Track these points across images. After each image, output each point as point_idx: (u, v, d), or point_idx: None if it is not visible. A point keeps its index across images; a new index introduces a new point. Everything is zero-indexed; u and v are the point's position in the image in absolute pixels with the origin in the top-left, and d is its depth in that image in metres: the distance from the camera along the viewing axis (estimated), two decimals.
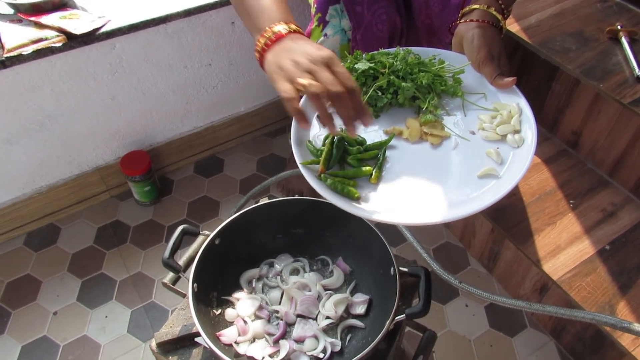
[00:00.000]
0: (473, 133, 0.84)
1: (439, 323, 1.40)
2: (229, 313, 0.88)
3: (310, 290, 0.91)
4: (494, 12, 0.89)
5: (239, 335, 0.84)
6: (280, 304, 0.90)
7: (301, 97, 0.82)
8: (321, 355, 0.83)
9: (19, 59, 1.23)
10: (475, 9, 0.91)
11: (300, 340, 0.85)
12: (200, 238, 0.94)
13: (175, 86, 1.61)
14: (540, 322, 1.39)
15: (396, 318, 0.78)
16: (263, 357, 0.82)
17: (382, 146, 0.83)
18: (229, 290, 0.91)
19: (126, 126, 1.61)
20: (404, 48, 0.92)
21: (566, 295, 1.09)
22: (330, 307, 0.87)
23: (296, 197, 0.94)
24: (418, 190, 0.77)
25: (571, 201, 1.24)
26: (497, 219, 1.22)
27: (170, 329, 0.86)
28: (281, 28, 0.77)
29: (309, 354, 0.83)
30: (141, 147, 1.68)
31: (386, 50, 0.93)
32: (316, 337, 0.85)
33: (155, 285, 1.49)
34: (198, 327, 0.76)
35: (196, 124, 1.75)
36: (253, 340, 0.85)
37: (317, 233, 0.96)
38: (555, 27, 1.31)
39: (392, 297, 0.80)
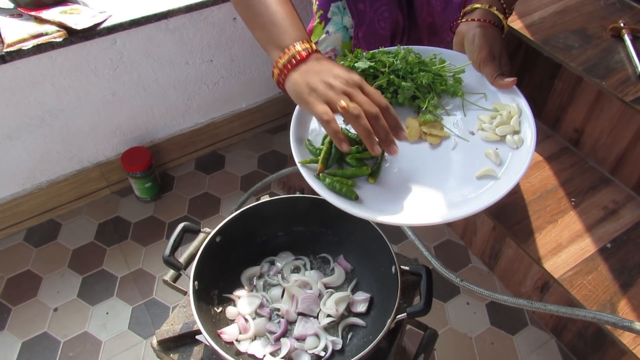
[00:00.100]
0: (472, 133, 0.84)
1: (440, 321, 1.40)
2: (230, 311, 0.88)
3: (311, 289, 0.91)
4: (496, 12, 0.88)
5: (240, 333, 0.85)
6: (281, 302, 0.90)
7: None
8: (322, 354, 0.83)
9: (19, 54, 1.22)
10: (476, 8, 0.90)
11: (301, 339, 0.85)
12: (201, 235, 0.94)
13: (176, 82, 1.60)
14: (541, 320, 1.39)
15: (397, 316, 0.78)
16: (264, 355, 0.83)
17: None
18: (230, 288, 0.91)
19: (127, 122, 1.60)
20: (405, 47, 0.92)
21: (567, 294, 1.09)
22: (331, 305, 0.87)
23: (297, 195, 0.93)
24: (416, 191, 0.77)
25: (573, 199, 1.24)
26: (498, 216, 1.22)
27: (171, 327, 0.86)
28: (303, 47, 0.76)
29: (310, 352, 0.83)
30: (142, 143, 1.67)
31: (387, 49, 0.92)
32: (317, 336, 0.85)
33: (156, 282, 1.49)
34: (199, 325, 0.76)
35: (197, 120, 1.75)
36: (254, 338, 0.85)
37: (318, 231, 0.96)
38: (558, 24, 1.30)
39: (394, 296, 0.80)
